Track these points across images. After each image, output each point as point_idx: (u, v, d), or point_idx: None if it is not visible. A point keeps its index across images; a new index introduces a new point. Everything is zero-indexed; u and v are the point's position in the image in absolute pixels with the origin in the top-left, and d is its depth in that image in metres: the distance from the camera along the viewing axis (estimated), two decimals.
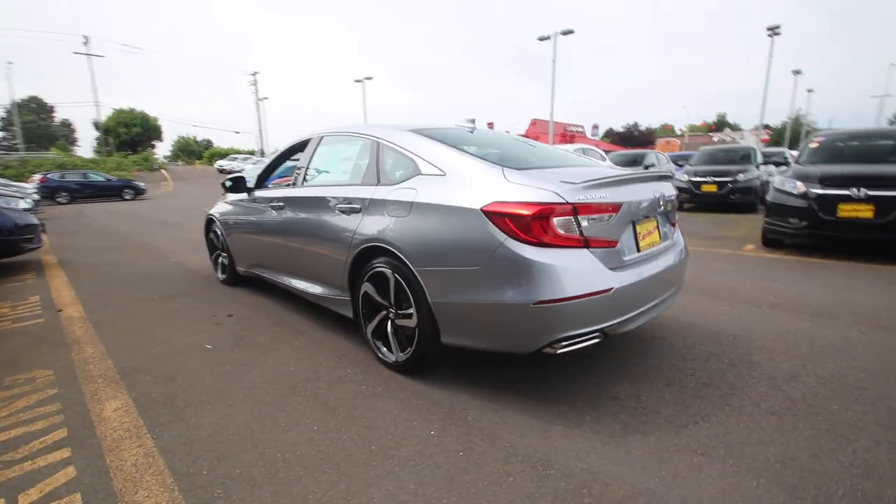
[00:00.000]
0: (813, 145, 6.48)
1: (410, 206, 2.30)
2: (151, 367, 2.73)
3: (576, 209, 1.99)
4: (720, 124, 60.06)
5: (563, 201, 1.96)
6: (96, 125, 42.90)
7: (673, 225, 2.73)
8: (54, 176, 20.44)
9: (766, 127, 41.38)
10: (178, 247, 7.14)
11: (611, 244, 2.10)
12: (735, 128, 53.32)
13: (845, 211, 4.98)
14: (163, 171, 36.38)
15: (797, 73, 35.41)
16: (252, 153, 44.73)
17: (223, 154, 45.36)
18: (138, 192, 21.44)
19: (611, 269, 2.06)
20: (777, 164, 11.27)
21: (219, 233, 4.49)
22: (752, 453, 1.81)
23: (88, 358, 2.87)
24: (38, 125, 59.67)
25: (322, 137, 3.27)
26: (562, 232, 1.96)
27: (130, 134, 47.09)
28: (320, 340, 3.09)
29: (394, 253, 2.34)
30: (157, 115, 51.51)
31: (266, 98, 46.22)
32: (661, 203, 2.45)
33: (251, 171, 21.56)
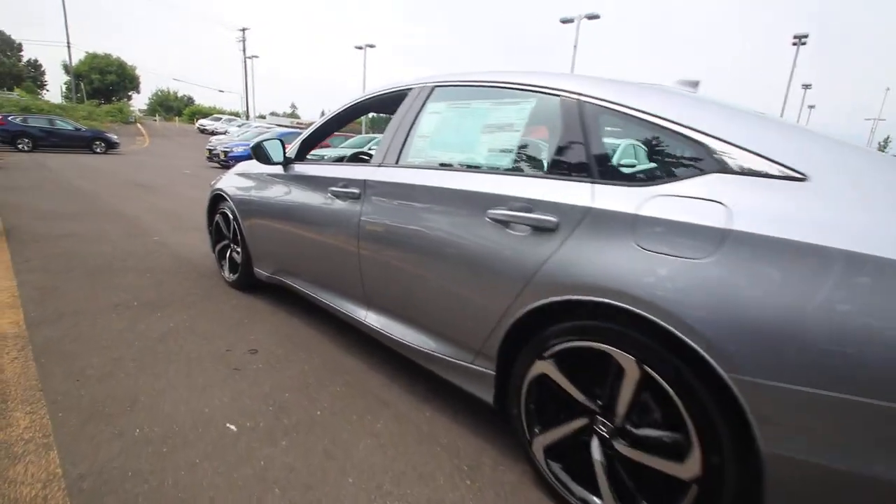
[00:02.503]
0: None
1: (719, 238, 1.10)
2: (137, 485, 1.48)
3: None
4: None
5: None
6: (66, 68, 39.55)
7: None
8: (16, 119, 18.23)
9: None
10: (160, 220, 5.74)
11: None
12: None
13: None
14: (139, 125, 33.79)
15: (807, 87, 34.96)
16: (237, 114, 42.22)
17: (205, 113, 42.73)
18: (110, 146, 19.44)
19: None
20: None
21: (230, 217, 3.17)
22: None
23: (15, 446, 1.60)
24: (2, 63, 55.08)
25: (433, 89, 2.02)
26: None
27: (105, 81, 43.87)
28: (424, 427, 1.88)
29: (662, 330, 1.14)
30: (135, 65, 48.10)
31: (255, 56, 43.36)
32: None
33: (236, 135, 19.92)
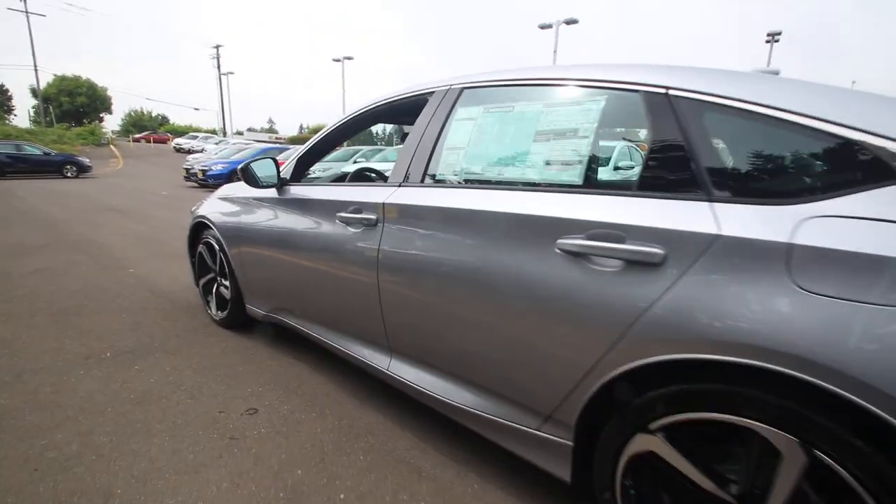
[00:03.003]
0: None
1: None
2: None
3: None
4: None
5: None
6: (34, 91, 38.41)
7: None
8: None
9: None
10: (134, 247, 5.28)
11: None
12: None
13: None
14: (112, 146, 32.82)
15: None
16: (213, 132, 41.44)
17: (181, 131, 41.82)
18: (82, 169, 18.70)
19: None
20: None
21: (216, 247, 2.78)
22: None
23: None
24: None
25: (461, 92, 1.68)
26: None
27: (75, 104, 42.72)
28: None
29: (845, 404, 0.82)
30: (105, 86, 47.01)
31: (231, 73, 42.70)
32: None
33: (214, 153, 19.31)
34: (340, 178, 3.02)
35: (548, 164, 1.37)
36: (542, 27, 21.21)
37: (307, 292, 2.19)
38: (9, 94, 58.61)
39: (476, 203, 1.45)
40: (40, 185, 13.67)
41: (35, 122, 40.87)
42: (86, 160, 19.51)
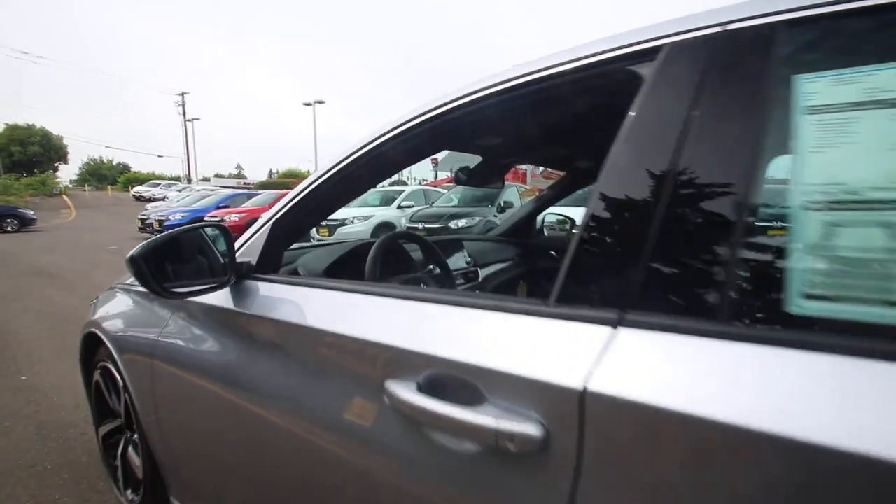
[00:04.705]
0: None
1: None
2: None
3: None
4: None
5: None
6: None
7: None
8: None
9: None
10: (47, 332, 3.90)
11: None
12: None
13: None
14: (64, 196, 30.72)
15: None
16: (177, 179, 39.73)
17: (142, 179, 39.95)
18: (24, 223, 16.94)
19: None
20: None
21: (119, 380, 1.51)
22: None
23: None
24: None
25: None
26: None
27: (27, 153, 40.43)
28: None
29: None
30: (61, 134, 44.93)
31: (196, 119, 41.32)
32: None
33: (175, 200, 17.73)
34: (387, 256, 1.35)
35: None
36: None
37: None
38: None
39: None
40: None
41: None
42: (29, 212, 17.74)
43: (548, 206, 2.20)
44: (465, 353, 0.64)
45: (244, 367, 1.02)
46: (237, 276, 1.08)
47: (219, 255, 1.06)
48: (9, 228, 16.37)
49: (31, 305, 4.96)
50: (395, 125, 0.95)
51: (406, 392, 0.66)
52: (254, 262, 1.10)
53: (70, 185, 40.61)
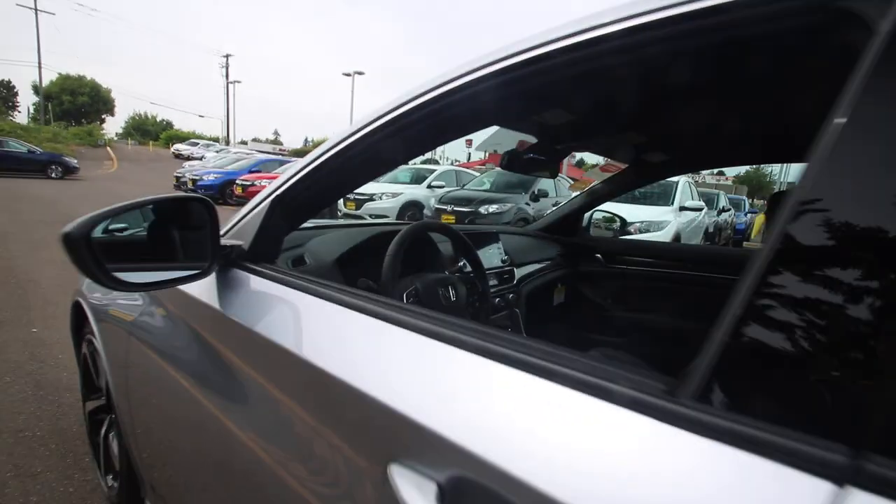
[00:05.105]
0: None
1: None
2: None
3: None
4: None
5: None
6: (36, 88, 37.37)
7: None
8: None
9: None
10: (67, 284, 3.85)
11: None
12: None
13: None
14: (108, 148, 31.58)
15: None
16: (216, 140, 40.39)
17: (183, 137, 40.73)
18: (68, 171, 17.42)
19: None
20: None
21: (100, 357, 1.34)
22: None
23: None
24: None
25: None
26: None
27: (76, 103, 41.66)
28: None
29: None
30: (109, 87, 46.10)
31: (238, 82, 41.73)
32: None
33: (212, 161, 17.79)
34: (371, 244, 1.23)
35: None
36: None
37: None
38: (15, 90, 57.72)
39: None
40: (12, 185, 12.28)
41: (34, 119, 39.73)
42: (73, 161, 18.21)
43: (601, 203, 1.93)
44: (524, 463, 0.40)
45: (221, 377, 0.82)
46: (222, 263, 0.86)
47: (199, 235, 0.83)
48: (53, 175, 16.85)
49: (57, 256, 4.95)
50: (434, 85, 0.70)
51: (417, 495, 0.43)
52: (245, 246, 0.88)
53: (115, 138, 41.79)
